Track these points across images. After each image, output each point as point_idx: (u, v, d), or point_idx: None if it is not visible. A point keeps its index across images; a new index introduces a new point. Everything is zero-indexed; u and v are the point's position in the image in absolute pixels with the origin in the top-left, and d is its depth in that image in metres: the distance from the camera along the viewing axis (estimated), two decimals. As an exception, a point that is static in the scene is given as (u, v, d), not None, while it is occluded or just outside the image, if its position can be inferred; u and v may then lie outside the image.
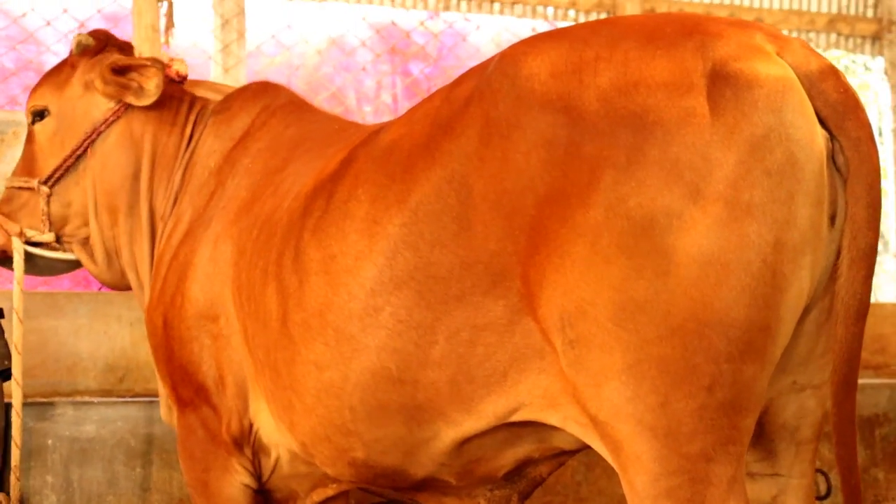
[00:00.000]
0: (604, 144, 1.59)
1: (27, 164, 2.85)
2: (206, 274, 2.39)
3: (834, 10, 5.66)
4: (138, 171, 2.76)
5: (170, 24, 4.46)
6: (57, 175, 2.77)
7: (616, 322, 1.57)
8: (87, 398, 3.56)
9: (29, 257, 2.81)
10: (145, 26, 4.35)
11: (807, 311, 1.65)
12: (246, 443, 2.37)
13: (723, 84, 1.55)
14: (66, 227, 2.82)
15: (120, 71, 2.74)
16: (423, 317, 1.82)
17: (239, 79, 4.63)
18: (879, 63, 5.85)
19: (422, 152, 1.85)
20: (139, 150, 2.76)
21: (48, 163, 2.80)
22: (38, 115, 2.83)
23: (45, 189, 2.77)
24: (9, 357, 2.94)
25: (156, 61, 2.76)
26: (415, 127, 1.93)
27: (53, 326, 3.81)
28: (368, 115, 5.39)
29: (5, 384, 3.01)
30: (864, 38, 5.70)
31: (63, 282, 4.75)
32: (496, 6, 5.31)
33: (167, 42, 4.41)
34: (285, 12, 5.19)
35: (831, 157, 1.60)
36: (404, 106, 5.36)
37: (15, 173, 2.88)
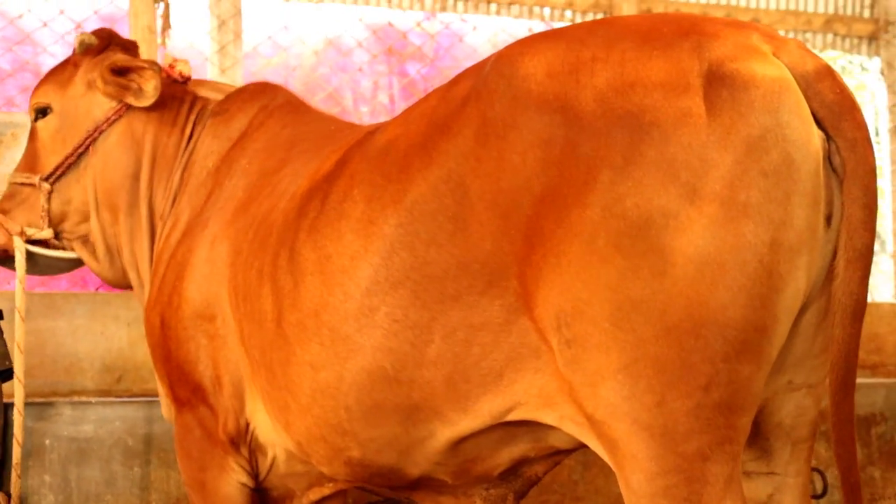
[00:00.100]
0: (600, 144, 1.59)
1: (29, 161, 2.87)
2: (202, 274, 2.39)
3: (830, 10, 5.66)
4: (138, 171, 2.77)
5: (166, 26, 4.46)
6: (58, 172, 2.79)
7: (612, 321, 1.57)
8: (84, 398, 3.57)
9: (30, 256, 2.81)
10: (142, 27, 4.35)
11: (803, 310, 1.66)
12: (242, 442, 2.37)
13: (719, 84, 1.56)
14: (65, 224, 2.83)
15: (119, 72, 2.75)
16: (419, 316, 1.82)
17: (235, 80, 4.63)
18: (876, 63, 5.86)
19: (418, 152, 1.85)
20: (140, 149, 2.78)
21: (50, 160, 2.82)
22: (41, 112, 2.86)
23: (46, 186, 2.79)
24: (8, 358, 2.94)
25: (153, 63, 2.77)
26: (411, 127, 1.93)
27: (51, 327, 3.81)
28: (365, 116, 5.40)
29: (5, 384, 3.01)
30: (860, 38, 5.71)
31: (60, 282, 4.75)
32: (493, 7, 5.31)
33: (164, 43, 4.41)
34: (282, 13, 5.19)
35: (828, 158, 1.61)
36: (401, 106, 5.36)
37: (17, 169, 2.91)
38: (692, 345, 1.54)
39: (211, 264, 2.38)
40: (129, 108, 2.78)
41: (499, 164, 1.70)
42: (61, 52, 4.58)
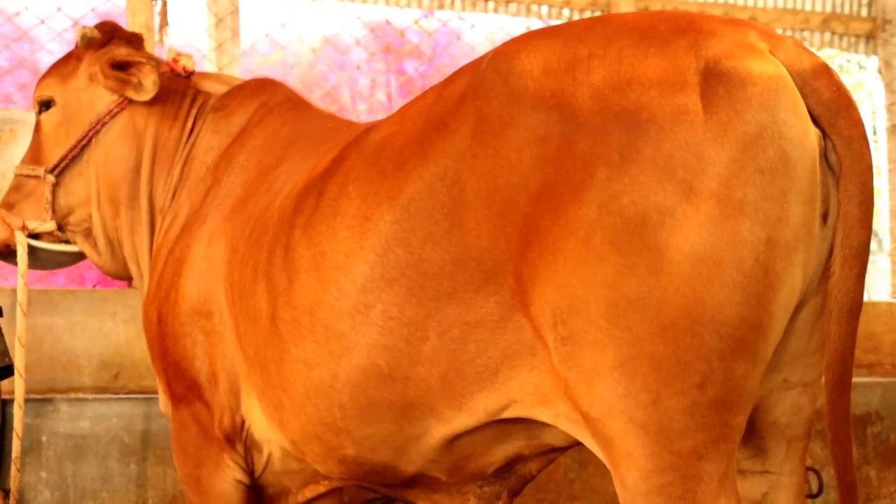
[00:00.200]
0: (597, 142, 1.59)
1: (34, 154, 2.89)
2: (199, 270, 2.39)
3: (828, 8, 5.66)
4: (139, 164, 2.78)
5: (164, 23, 4.46)
6: (62, 165, 2.81)
7: (608, 319, 1.57)
8: (81, 395, 3.56)
9: (31, 250, 2.82)
10: (139, 25, 4.35)
11: (798, 308, 1.66)
12: (238, 439, 2.37)
13: (716, 82, 1.56)
14: (69, 217, 2.85)
15: (119, 66, 2.75)
16: (414, 313, 1.82)
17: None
18: (873, 62, 5.86)
19: (414, 149, 1.85)
20: (141, 142, 2.79)
21: (54, 152, 2.84)
22: (45, 105, 2.88)
23: (50, 178, 2.80)
24: (6, 354, 2.95)
25: (151, 58, 2.77)
26: (407, 124, 1.93)
27: (48, 324, 3.81)
28: (363, 114, 5.39)
29: (3, 381, 3.01)
30: (858, 36, 5.71)
31: (58, 279, 4.74)
32: (490, 5, 5.31)
33: (161, 41, 4.40)
34: (279, 11, 5.19)
35: (824, 156, 1.61)
36: (398, 104, 5.35)
37: (23, 161, 2.93)
38: (688, 342, 1.54)
39: (208, 261, 2.38)
40: (131, 101, 2.79)
41: (495, 161, 1.70)
42: (59, 50, 4.57)
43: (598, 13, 5.27)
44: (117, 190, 2.79)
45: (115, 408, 3.26)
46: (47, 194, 2.81)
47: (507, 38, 1.88)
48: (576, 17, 5.33)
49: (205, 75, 2.99)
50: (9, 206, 2.87)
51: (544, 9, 5.35)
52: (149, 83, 2.73)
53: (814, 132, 1.58)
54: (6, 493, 3.09)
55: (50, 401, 3.23)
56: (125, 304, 3.93)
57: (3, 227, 2.81)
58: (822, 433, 1.71)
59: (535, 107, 1.67)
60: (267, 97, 2.73)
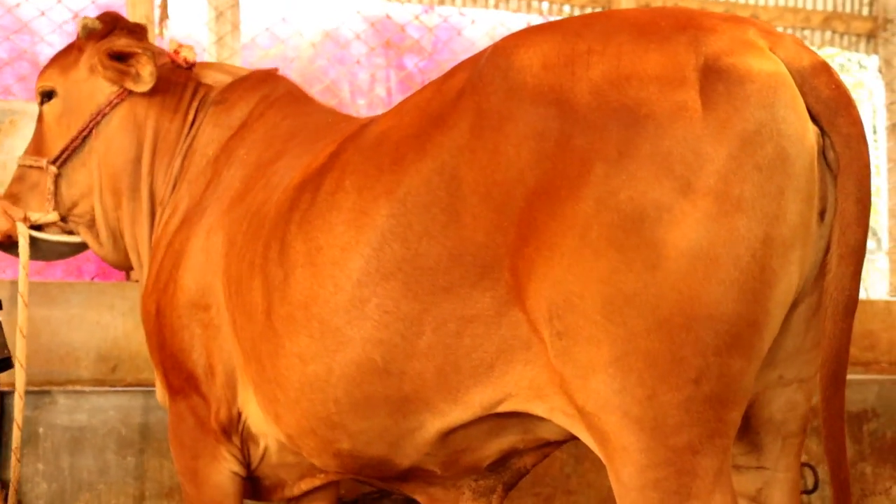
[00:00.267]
0: (595, 137, 1.59)
1: (37, 144, 2.90)
2: (198, 263, 2.39)
3: (829, 7, 5.66)
4: (140, 155, 2.79)
5: (164, 16, 4.45)
6: (64, 156, 2.82)
7: (604, 314, 1.57)
8: (79, 387, 3.57)
9: (33, 242, 2.83)
10: (139, 17, 4.34)
11: (795, 305, 1.66)
12: (234, 431, 2.37)
13: (715, 78, 1.56)
14: (72, 208, 2.85)
15: (118, 57, 2.75)
16: (410, 308, 1.82)
17: (233, 70, 4.62)
18: (874, 61, 5.86)
19: (412, 143, 1.85)
20: (141, 133, 2.79)
21: (56, 143, 2.84)
22: (47, 96, 2.89)
23: (52, 169, 2.81)
24: (5, 347, 2.95)
25: (147, 48, 2.77)
26: (405, 118, 1.93)
27: (46, 316, 3.81)
28: (362, 109, 5.39)
29: (5, 372, 3.02)
30: (858, 35, 5.71)
31: (56, 271, 4.74)
32: (491, 1, 5.31)
33: (161, 33, 4.40)
34: (280, 5, 5.18)
35: (822, 153, 1.61)
36: (398, 99, 5.34)
37: (26, 152, 2.94)
38: (683, 338, 1.54)
39: (206, 254, 2.39)
40: (131, 92, 2.79)
41: (493, 156, 1.70)
42: (59, 41, 4.57)
43: (598, 9, 5.27)
44: (118, 181, 2.79)
45: (113, 400, 3.27)
46: (49, 185, 2.81)
47: (507, 34, 1.88)
48: (576, 13, 5.33)
49: (207, 65, 2.99)
50: (12, 196, 2.88)
51: (545, 5, 5.35)
52: (146, 74, 2.73)
53: (812, 130, 1.58)
54: (3, 485, 3.10)
55: (47, 393, 3.24)
56: (123, 296, 3.93)
57: (5, 219, 2.82)
58: (818, 429, 1.71)
59: (534, 102, 1.66)
60: (268, 91, 2.73)
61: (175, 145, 2.78)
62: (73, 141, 2.80)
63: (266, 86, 2.75)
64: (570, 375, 1.64)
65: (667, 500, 1.57)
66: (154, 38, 4.35)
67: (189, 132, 2.77)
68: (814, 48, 5.41)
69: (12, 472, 2.92)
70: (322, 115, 2.62)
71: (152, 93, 2.78)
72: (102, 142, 2.79)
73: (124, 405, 3.26)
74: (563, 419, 1.75)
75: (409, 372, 1.86)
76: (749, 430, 1.84)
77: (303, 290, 1.97)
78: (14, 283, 3.44)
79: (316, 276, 1.95)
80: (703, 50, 1.58)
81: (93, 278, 4.61)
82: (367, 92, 5.52)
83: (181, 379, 2.42)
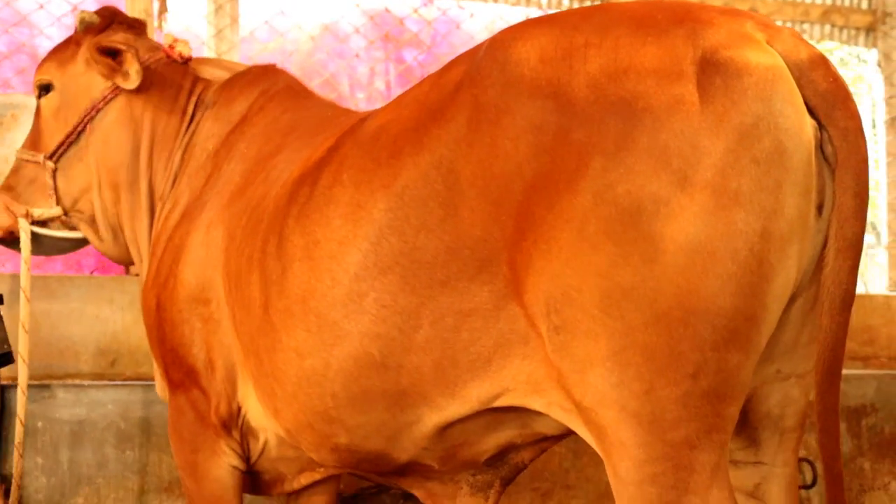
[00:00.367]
0: (592, 131, 1.58)
1: (34, 138, 2.90)
2: (198, 258, 2.39)
3: (828, 1, 5.65)
4: (138, 149, 2.78)
5: (163, 9, 4.45)
6: (61, 151, 2.81)
7: (602, 309, 1.57)
8: (78, 381, 3.57)
9: (34, 237, 2.83)
10: (138, 11, 4.33)
11: (792, 300, 1.66)
12: (234, 425, 2.37)
13: (712, 72, 1.55)
14: (73, 204, 2.85)
15: (109, 52, 2.75)
16: (407, 302, 1.82)
17: (232, 64, 4.62)
18: (873, 55, 5.85)
19: (410, 137, 1.85)
20: (139, 128, 2.79)
21: (53, 138, 2.84)
22: (44, 89, 2.88)
23: (50, 164, 2.81)
24: (6, 342, 2.96)
25: (132, 46, 2.76)
26: (403, 112, 1.93)
27: (46, 310, 3.81)
28: (361, 102, 5.39)
29: (5, 367, 3.03)
30: (858, 29, 5.69)
31: (56, 265, 4.75)
32: (490, -6, 5.31)
33: (160, 27, 4.39)
34: (279, -2, 5.19)
35: (819, 147, 1.60)
36: (397, 93, 5.34)
37: (24, 146, 2.94)
38: (681, 333, 1.53)
39: (206, 248, 2.39)
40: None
41: (491, 149, 1.70)
42: (58, 34, 4.56)
43: (596, 2, 5.26)
44: (116, 175, 2.79)
45: (112, 394, 3.27)
46: (48, 180, 2.81)
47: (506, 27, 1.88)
48: (575, 5, 5.32)
49: (204, 61, 2.98)
50: (9, 188, 2.88)
51: (544, -2, 5.34)
52: (132, 72, 2.72)
53: (810, 123, 1.58)
54: (2, 479, 3.10)
55: (46, 387, 3.24)
56: (122, 290, 3.93)
57: (7, 215, 2.82)
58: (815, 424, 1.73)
59: (532, 95, 1.66)
60: (268, 85, 2.72)
61: (174, 140, 2.77)
62: (68, 136, 2.80)
63: (266, 80, 2.75)
64: (567, 370, 1.64)
65: (664, 495, 1.57)
66: (153, 31, 4.34)
67: (189, 127, 2.77)
68: (813, 42, 5.40)
69: (15, 468, 2.92)
70: (322, 108, 2.62)
71: (148, 87, 2.78)
72: (99, 136, 2.79)
73: (123, 399, 3.26)
74: (561, 414, 1.75)
75: (406, 366, 1.85)
76: (747, 425, 1.83)
77: (300, 284, 1.97)
78: (14, 277, 3.45)
79: (313, 270, 1.95)
80: (700, 43, 1.58)
81: (92, 272, 4.62)
82: (367, 85, 5.52)
83: (181, 373, 2.42)
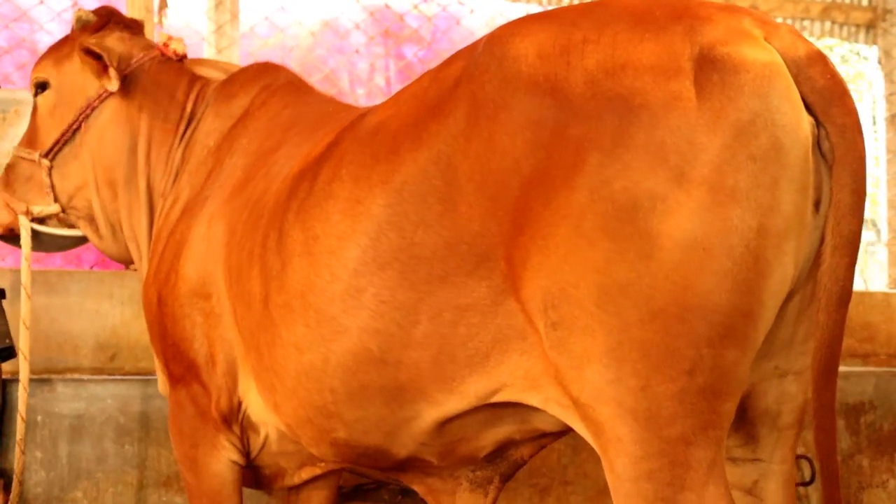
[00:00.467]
0: (589, 127, 1.58)
1: (31, 136, 2.91)
2: (199, 252, 2.40)
3: (829, -3, 5.65)
4: (135, 146, 2.79)
5: (163, 5, 4.45)
6: (56, 149, 2.82)
7: (598, 305, 1.57)
8: (77, 376, 3.57)
9: (34, 234, 2.83)
10: (139, 7, 4.34)
11: (789, 297, 1.65)
12: (235, 420, 2.38)
13: (710, 68, 1.55)
14: (70, 202, 2.85)
15: (92, 54, 2.76)
16: (406, 297, 1.82)
17: (232, 60, 4.62)
18: (874, 52, 5.84)
19: (408, 133, 1.85)
20: (135, 126, 2.79)
21: (49, 136, 2.85)
22: (40, 87, 2.89)
23: (45, 162, 2.82)
24: (8, 336, 2.96)
25: (106, 50, 2.74)
26: (402, 108, 1.93)
27: (45, 304, 3.81)
28: (361, 98, 5.39)
29: (7, 361, 3.03)
30: (858, 26, 5.69)
31: (55, 260, 4.75)
32: (490, -10, 5.31)
33: (160, 22, 4.40)
34: (279, -6, 5.18)
35: (817, 144, 1.59)
36: (397, 89, 5.33)
37: (21, 143, 2.95)
38: (677, 329, 1.53)
39: (207, 243, 2.39)
40: (123, 85, 2.79)
41: (488, 145, 1.70)
42: (58, 30, 4.57)
43: (597, -1, 5.25)
44: (113, 172, 2.79)
45: (111, 389, 3.27)
46: (45, 178, 2.82)
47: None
48: (575, 1, 5.32)
49: (199, 61, 2.99)
50: (6, 186, 2.88)
51: (543, -6, 5.34)
52: (111, 74, 2.73)
53: (807, 120, 1.57)
54: (2, 473, 3.11)
55: (46, 381, 3.24)
56: (122, 285, 3.94)
57: (7, 212, 2.83)
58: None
59: (529, 91, 1.66)
60: (270, 80, 2.73)
61: (172, 136, 2.78)
62: (63, 134, 2.81)
63: (267, 75, 2.75)
64: (564, 366, 1.64)
65: (660, 492, 1.57)
66: (153, 27, 4.35)
67: (189, 124, 2.78)
68: (813, 39, 5.39)
69: (16, 464, 2.93)
70: (322, 104, 2.62)
71: (144, 85, 2.79)
72: (94, 134, 2.80)
73: (123, 394, 3.26)
74: (558, 410, 1.75)
75: (404, 361, 1.86)
76: (745, 422, 1.83)
77: (299, 279, 1.98)
78: (14, 272, 3.45)
79: (313, 265, 1.95)
80: (698, 39, 1.57)
81: (92, 267, 4.62)
82: (366, 81, 5.51)
83: (182, 368, 2.42)
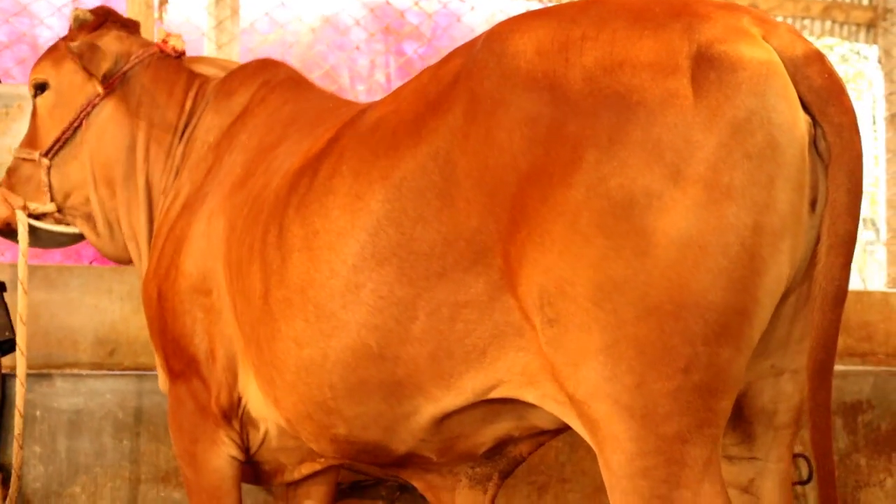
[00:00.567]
0: (587, 124, 1.58)
1: (31, 137, 2.92)
2: (199, 248, 2.40)
3: (829, -3, 5.65)
4: (134, 144, 2.79)
5: (164, 0, 4.45)
6: (56, 147, 2.83)
7: (594, 302, 1.57)
8: (76, 371, 3.58)
9: (32, 230, 2.84)
10: (139, 2, 4.34)
11: (785, 295, 1.65)
12: (234, 416, 2.38)
13: (707, 66, 1.55)
14: (66, 200, 2.87)
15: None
16: (404, 293, 1.82)
17: (232, 56, 4.62)
18: (874, 51, 5.84)
19: (408, 129, 1.85)
20: (134, 123, 2.80)
21: (49, 135, 2.85)
22: (39, 88, 2.90)
23: (45, 161, 2.82)
24: (9, 329, 2.97)
25: (84, 56, 2.75)
26: (402, 104, 1.93)
27: (45, 300, 3.82)
28: (361, 94, 5.39)
29: (6, 355, 3.04)
30: (858, 25, 5.68)
31: (55, 255, 4.75)
32: (490, -13, 5.31)
33: (160, 18, 4.40)
34: (279, -10, 5.18)
35: (813, 143, 1.59)
36: (397, 85, 5.34)
37: (21, 145, 2.95)
38: (672, 327, 1.53)
39: (207, 239, 2.39)
40: (122, 83, 2.80)
41: (486, 141, 1.70)
42: (58, 25, 4.57)
43: (598, -4, 5.24)
44: (112, 170, 2.80)
45: (110, 384, 3.27)
46: (44, 177, 2.83)
47: (505, 19, 1.88)
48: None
49: (196, 59, 3.00)
50: (9, 187, 2.90)
51: (544, -8, 5.34)
52: (96, 77, 2.75)
53: (803, 118, 1.57)
54: (1, 468, 3.11)
55: (45, 376, 3.24)
56: (121, 280, 3.94)
57: (5, 206, 2.84)
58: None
59: (527, 88, 1.66)
60: (269, 76, 2.73)
61: (172, 134, 2.78)
62: (64, 132, 2.82)
63: (267, 71, 2.76)
64: (560, 363, 1.64)
65: (656, 489, 1.57)
66: (153, 22, 4.35)
67: (189, 121, 2.78)
68: (813, 38, 5.39)
69: (14, 459, 2.93)
70: (323, 100, 2.62)
71: (142, 83, 2.80)
72: (94, 133, 2.80)
73: (121, 389, 3.26)
74: (555, 406, 1.76)
75: (403, 357, 1.86)
76: (741, 421, 1.83)
77: (299, 275, 1.98)
78: (14, 267, 3.45)
79: (312, 260, 1.96)
80: (696, 37, 1.57)
81: (91, 262, 4.62)
82: (367, 78, 5.51)
83: (182, 363, 2.43)
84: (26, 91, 3.05)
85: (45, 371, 3.36)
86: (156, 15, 4.36)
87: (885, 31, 5.65)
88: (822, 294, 1.60)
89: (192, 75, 2.86)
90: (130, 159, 2.79)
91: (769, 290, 1.57)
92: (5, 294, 3.02)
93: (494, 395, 1.83)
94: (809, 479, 2.59)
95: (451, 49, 2.00)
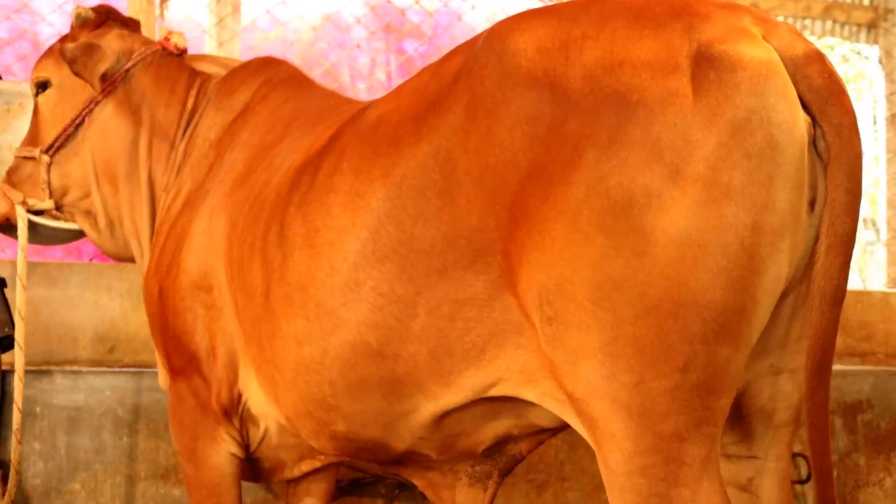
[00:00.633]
0: (587, 122, 1.58)
1: (32, 135, 2.93)
2: (200, 245, 2.40)
3: (830, -3, 5.65)
4: (136, 140, 2.80)
5: (165, -3, 4.45)
6: (57, 144, 2.83)
7: (593, 300, 1.57)
8: (76, 368, 3.58)
9: (32, 226, 2.84)
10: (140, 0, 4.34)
11: (784, 295, 1.66)
12: (235, 413, 2.38)
13: (707, 66, 1.55)
14: (66, 197, 2.87)
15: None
16: (404, 291, 1.82)
17: (233, 53, 4.63)
18: (875, 51, 5.84)
19: (408, 127, 1.85)
20: (136, 120, 2.80)
21: (50, 133, 2.86)
22: (41, 86, 2.91)
23: (45, 158, 2.83)
24: (9, 325, 2.97)
25: (76, 59, 2.76)
26: (403, 102, 1.93)
27: (45, 296, 3.82)
28: (362, 93, 5.39)
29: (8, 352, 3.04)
30: (859, 25, 5.68)
31: (55, 252, 4.76)
32: (491, -14, 5.31)
33: (162, 15, 4.40)
34: (281, -13, 5.18)
35: (813, 142, 1.60)
36: (398, 84, 5.34)
37: (22, 143, 2.96)
38: (671, 325, 1.54)
39: (209, 236, 2.40)
40: (124, 80, 2.80)
41: (487, 139, 1.70)
42: (59, 21, 4.57)
43: (600, -5, 5.24)
44: (114, 167, 2.80)
45: (110, 381, 3.27)
46: (43, 174, 2.83)
47: (506, 18, 1.88)
48: (578, -1, 5.31)
49: (198, 57, 3.00)
50: (10, 184, 2.90)
51: (545, -9, 5.34)
52: (92, 81, 2.77)
53: (803, 118, 1.58)
54: (0, 464, 3.11)
55: (45, 372, 3.25)
56: (121, 278, 3.94)
57: (5, 201, 2.84)
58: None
59: (528, 86, 1.67)
60: (271, 74, 2.74)
61: (174, 131, 2.79)
62: (66, 129, 2.82)
63: (268, 69, 2.76)
64: (559, 361, 1.65)
65: (654, 487, 1.58)
66: (155, 20, 4.35)
67: (191, 118, 2.78)
68: (814, 38, 5.38)
69: (13, 455, 2.93)
70: (324, 98, 2.62)
71: (144, 80, 2.81)
72: (96, 130, 2.81)
73: (121, 386, 3.26)
74: (554, 405, 1.76)
75: (402, 354, 1.86)
76: (740, 420, 1.83)
77: (300, 272, 1.98)
78: (14, 263, 3.45)
79: (313, 257, 1.96)
80: (696, 37, 1.58)
81: (91, 259, 4.63)
82: (367, 76, 5.52)
83: (183, 360, 2.43)
84: (27, 88, 3.06)
85: (44, 368, 3.37)
86: (157, 12, 4.36)
87: (885, 31, 5.65)
88: (820, 293, 1.60)
89: (194, 73, 2.86)
90: (133, 156, 2.79)
91: (768, 290, 1.58)
92: (6, 290, 3.03)
93: (494, 392, 1.83)
94: (809, 478, 2.59)
95: (451, 47, 2.00)
